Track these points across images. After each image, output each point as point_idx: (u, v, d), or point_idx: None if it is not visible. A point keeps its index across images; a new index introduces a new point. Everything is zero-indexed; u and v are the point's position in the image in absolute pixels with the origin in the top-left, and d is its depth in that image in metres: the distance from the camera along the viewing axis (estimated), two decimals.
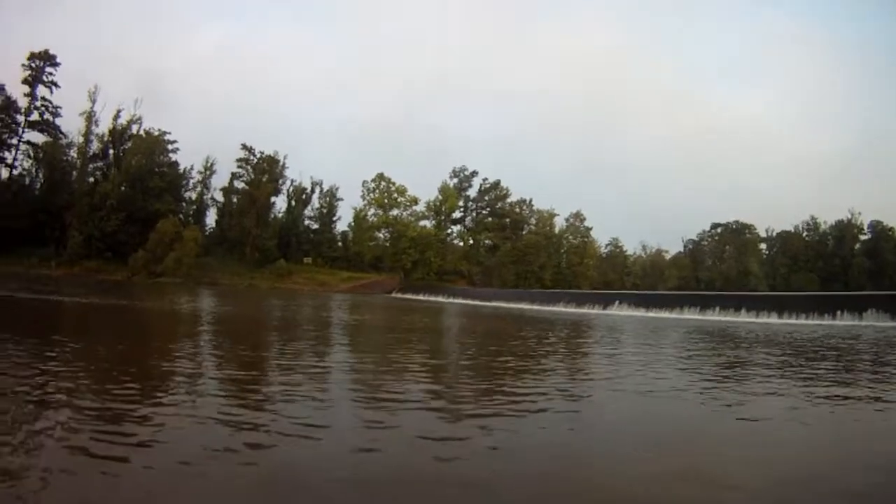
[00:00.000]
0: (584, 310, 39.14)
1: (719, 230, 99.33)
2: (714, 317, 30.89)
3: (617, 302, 39.08)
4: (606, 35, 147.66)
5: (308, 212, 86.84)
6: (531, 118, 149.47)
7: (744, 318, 29.43)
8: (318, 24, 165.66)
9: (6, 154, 72.82)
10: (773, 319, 28.03)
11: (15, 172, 73.73)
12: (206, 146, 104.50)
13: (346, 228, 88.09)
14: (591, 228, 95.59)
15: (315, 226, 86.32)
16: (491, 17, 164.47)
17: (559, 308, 41.28)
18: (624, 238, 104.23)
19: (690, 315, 32.26)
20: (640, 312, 35.38)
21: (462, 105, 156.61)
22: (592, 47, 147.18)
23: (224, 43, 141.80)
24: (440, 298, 58.06)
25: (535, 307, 42.95)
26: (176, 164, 77.92)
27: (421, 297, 61.76)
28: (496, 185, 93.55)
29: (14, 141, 72.72)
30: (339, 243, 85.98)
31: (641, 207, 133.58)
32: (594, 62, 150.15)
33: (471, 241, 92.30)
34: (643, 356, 12.74)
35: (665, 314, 33.51)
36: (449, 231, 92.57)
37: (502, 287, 75.55)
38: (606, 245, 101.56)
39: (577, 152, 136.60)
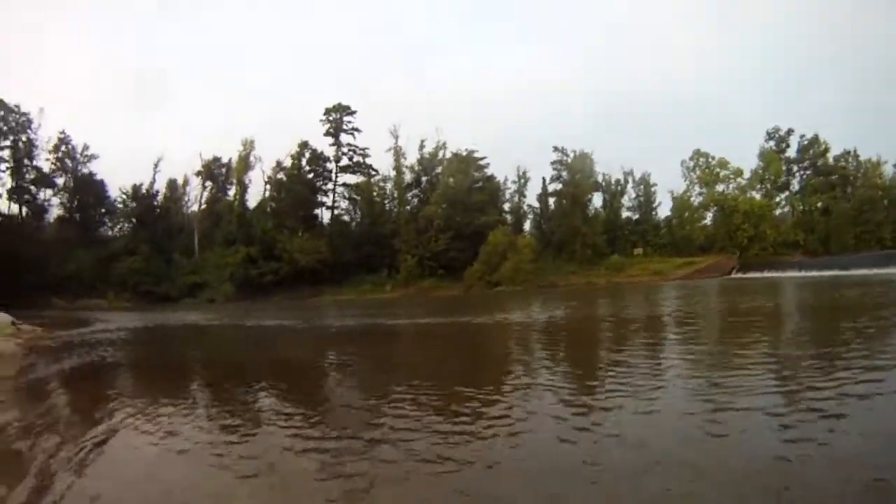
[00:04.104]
0: None
1: None
2: None
3: None
4: None
5: (625, 202, 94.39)
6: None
7: None
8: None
9: (325, 198, 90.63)
10: None
11: (336, 212, 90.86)
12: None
13: (669, 213, 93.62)
14: None
15: (635, 216, 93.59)
16: None
17: None
18: None
19: None
20: None
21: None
22: None
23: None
24: (794, 273, 61.82)
25: None
26: (492, 177, 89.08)
27: (767, 273, 65.37)
28: (815, 140, 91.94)
29: (329, 186, 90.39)
30: (664, 229, 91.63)
31: None
32: None
33: (801, 207, 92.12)
34: None
35: None
36: (777, 199, 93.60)
37: (842, 252, 77.04)
38: None
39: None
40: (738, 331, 16.93)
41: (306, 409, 9.47)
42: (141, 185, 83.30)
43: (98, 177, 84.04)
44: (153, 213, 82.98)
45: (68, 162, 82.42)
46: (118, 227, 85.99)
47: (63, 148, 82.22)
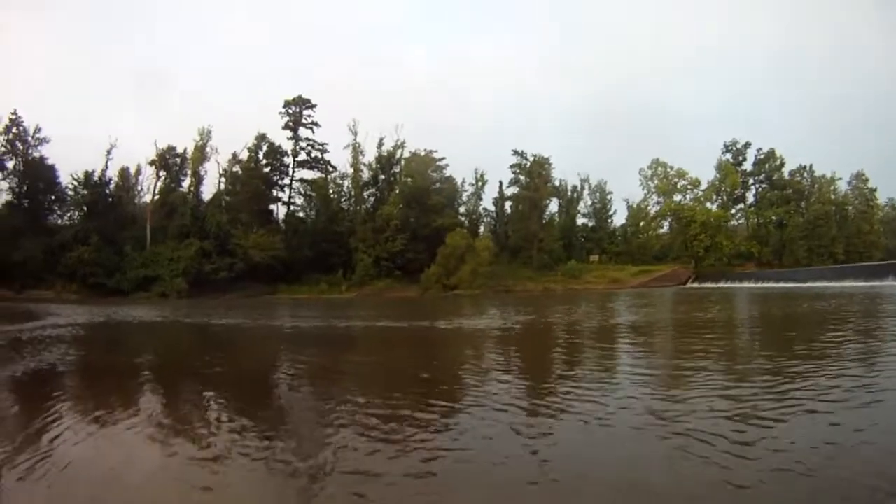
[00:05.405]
0: None
1: None
2: None
3: None
4: None
5: (581, 208, 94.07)
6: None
7: None
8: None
9: (281, 194, 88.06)
10: None
11: (292, 209, 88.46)
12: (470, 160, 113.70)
13: (624, 221, 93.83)
14: (875, 189, 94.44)
15: (591, 223, 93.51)
16: None
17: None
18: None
19: None
20: None
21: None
22: None
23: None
24: (750, 284, 61.83)
25: (866, 284, 46.51)
26: (451, 178, 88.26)
27: (723, 284, 65.51)
28: (771, 154, 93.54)
29: (286, 181, 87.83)
30: (619, 237, 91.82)
31: None
32: None
33: (756, 220, 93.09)
34: None
35: None
36: (733, 211, 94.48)
37: (794, 265, 78.33)
38: (884, 205, 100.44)
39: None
40: (697, 349, 14.73)
41: (254, 419, 8.70)
42: (93, 172, 77.36)
43: (49, 161, 78.84)
44: (105, 201, 77.33)
45: (19, 144, 77.26)
46: (68, 215, 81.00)
47: (14, 129, 77.05)
